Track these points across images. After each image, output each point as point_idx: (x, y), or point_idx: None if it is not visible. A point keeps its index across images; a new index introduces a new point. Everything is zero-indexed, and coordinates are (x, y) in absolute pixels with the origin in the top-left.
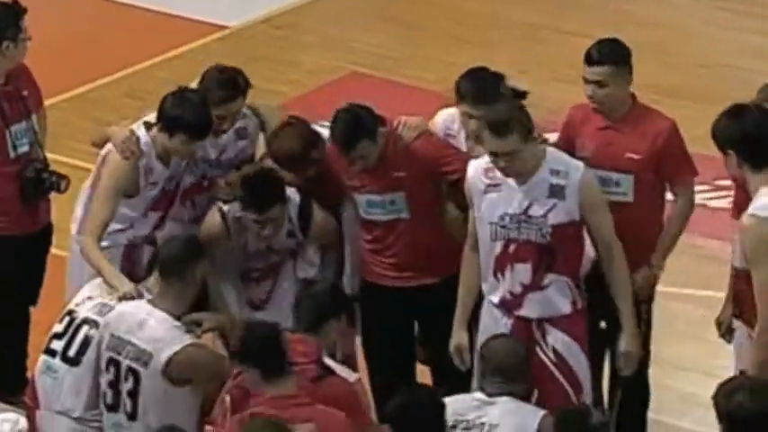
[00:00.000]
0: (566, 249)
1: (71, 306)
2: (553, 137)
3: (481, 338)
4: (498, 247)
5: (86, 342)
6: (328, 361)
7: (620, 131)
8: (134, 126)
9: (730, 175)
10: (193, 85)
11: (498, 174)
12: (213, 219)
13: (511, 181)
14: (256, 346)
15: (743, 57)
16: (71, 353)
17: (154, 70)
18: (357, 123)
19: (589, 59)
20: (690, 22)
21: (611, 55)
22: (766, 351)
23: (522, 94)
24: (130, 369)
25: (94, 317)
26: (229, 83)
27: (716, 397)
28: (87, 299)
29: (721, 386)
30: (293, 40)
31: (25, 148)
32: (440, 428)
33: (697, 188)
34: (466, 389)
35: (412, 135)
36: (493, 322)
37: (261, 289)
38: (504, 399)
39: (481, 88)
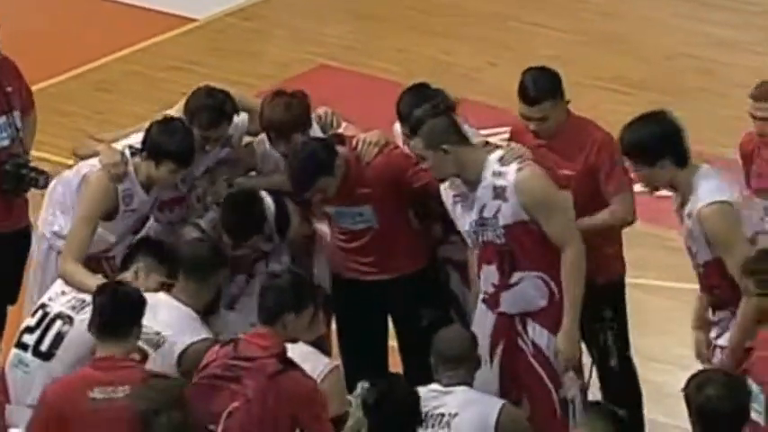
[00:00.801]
0: (526, 247)
1: (44, 300)
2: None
3: (474, 330)
4: (477, 252)
5: (59, 337)
6: (302, 348)
7: (553, 149)
8: (119, 147)
9: (659, 186)
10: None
11: (461, 184)
12: (191, 231)
13: (468, 188)
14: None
15: (708, 48)
16: (43, 347)
17: (122, 63)
18: (313, 162)
19: (526, 98)
20: (654, 14)
21: (547, 90)
22: (749, 323)
23: (453, 107)
24: (139, 349)
25: (68, 312)
26: (216, 109)
27: (686, 389)
28: (61, 293)
29: (691, 379)
30: (262, 32)
31: (5, 143)
32: (416, 418)
33: None
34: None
35: (373, 152)
36: (482, 317)
37: (234, 285)
38: (461, 388)
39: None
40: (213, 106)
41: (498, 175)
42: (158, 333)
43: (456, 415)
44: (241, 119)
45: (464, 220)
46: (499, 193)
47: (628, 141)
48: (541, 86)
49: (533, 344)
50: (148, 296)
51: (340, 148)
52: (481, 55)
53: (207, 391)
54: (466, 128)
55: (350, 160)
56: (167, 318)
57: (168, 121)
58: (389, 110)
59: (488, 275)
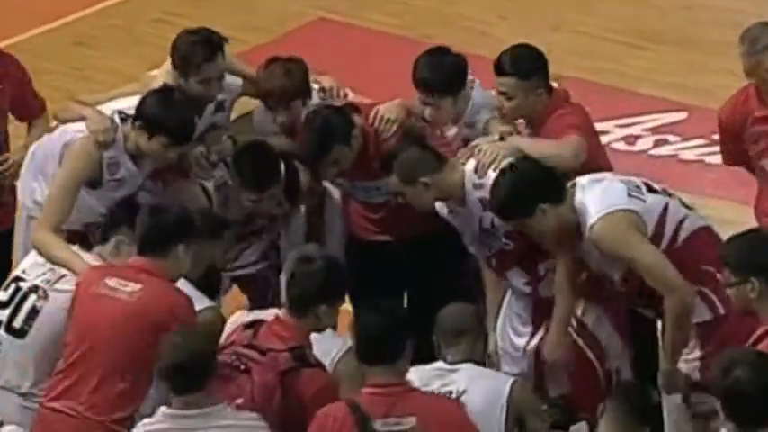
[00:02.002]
0: (537, 242)
1: (17, 272)
2: None
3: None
4: (493, 262)
5: (34, 312)
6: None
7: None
8: (107, 111)
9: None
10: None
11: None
12: (194, 195)
13: (458, 205)
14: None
15: None
16: (17, 323)
17: (101, 16)
18: (328, 129)
19: (495, 66)
20: None
21: (518, 65)
22: (685, 319)
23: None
24: None
25: (44, 285)
26: (205, 42)
27: (712, 374)
28: (36, 265)
29: (717, 363)
30: None
31: None
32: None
33: (695, 143)
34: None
35: (391, 128)
36: (518, 304)
37: (235, 249)
38: (466, 365)
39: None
40: (200, 41)
41: (479, 187)
42: None
43: (464, 391)
44: (234, 81)
45: (466, 234)
46: (486, 204)
47: (496, 203)
48: (513, 60)
49: (578, 321)
50: None
51: (356, 119)
52: (491, 8)
53: (215, 381)
54: (482, 93)
55: (367, 133)
56: None
57: (167, 91)
58: (390, 64)
59: (515, 278)
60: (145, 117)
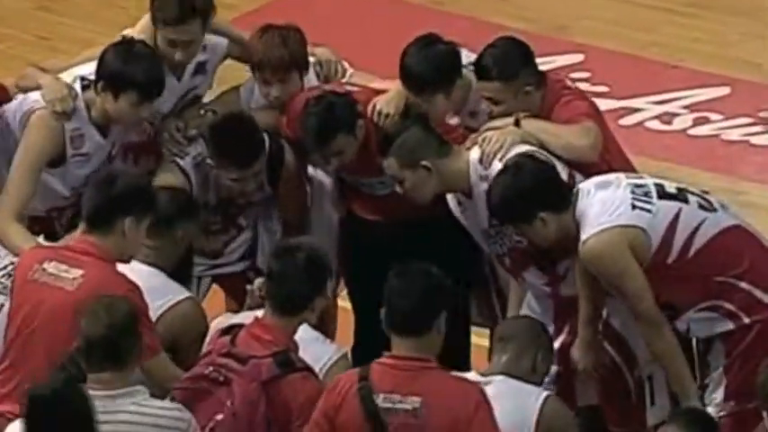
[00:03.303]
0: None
1: None
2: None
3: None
4: (507, 261)
5: None
6: (302, 335)
7: None
8: (69, 78)
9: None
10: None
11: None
12: (170, 174)
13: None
14: None
15: None
16: None
17: None
18: (332, 115)
19: (477, 72)
20: None
21: (498, 68)
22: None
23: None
24: None
25: (4, 281)
26: (185, 1)
27: (759, 379)
28: None
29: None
30: None
31: None
32: None
33: (739, 121)
34: None
35: (390, 124)
36: (540, 304)
37: (218, 241)
38: (499, 378)
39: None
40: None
41: (485, 179)
42: None
43: None
44: (219, 42)
45: (475, 230)
46: None
47: (492, 205)
48: (494, 62)
49: (604, 323)
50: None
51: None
52: None
53: (192, 396)
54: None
55: (369, 129)
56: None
57: (126, 43)
58: (390, 29)
59: (533, 278)
60: (107, 75)
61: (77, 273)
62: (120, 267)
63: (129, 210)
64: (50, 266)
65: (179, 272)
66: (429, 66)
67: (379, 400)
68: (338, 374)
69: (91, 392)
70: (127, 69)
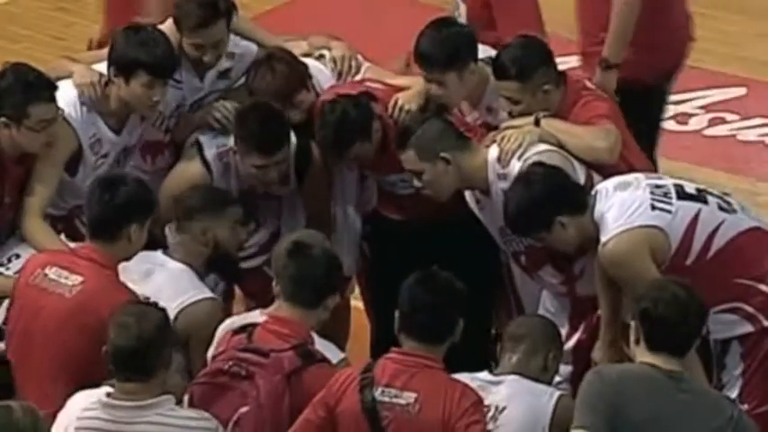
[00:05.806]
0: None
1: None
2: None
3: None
4: (522, 260)
5: None
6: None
7: None
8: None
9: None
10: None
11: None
12: (192, 164)
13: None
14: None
15: None
16: None
17: None
18: (346, 125)
19: (496, 71)
20: None
21: (516, 67)
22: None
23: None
24: None
25: None
26: (207, 5)
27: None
28: (15, 257)
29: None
30: None
31: None
32: None
33: (755, 122)
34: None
35: (409, 119)
36: (555, 303)
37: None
38: (511, 377)
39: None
40: (202, 2)
41: (503, 178)
42: (148, 299)
43: (504, 408)
44: (247, 49)
45: (492, 228)
46: None
47: (511, 221)
48: (512, 62)
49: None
50: (139, 257)
51: (374, 107)
52: None
53: (212, 391)
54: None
55: (387, 125)
56: (159, 280)
57: (135, 27)
58: (404, 29)
59: (548, 277)
60: (117, 59)
61: (77, 279)
62: (152, 263)
63: (134, 217)
64: (52, 272)
65: (221, 267)
66: (442, 43)
67: (378, 392)
68: None
69: (116, 403)
70: (134, 51)
